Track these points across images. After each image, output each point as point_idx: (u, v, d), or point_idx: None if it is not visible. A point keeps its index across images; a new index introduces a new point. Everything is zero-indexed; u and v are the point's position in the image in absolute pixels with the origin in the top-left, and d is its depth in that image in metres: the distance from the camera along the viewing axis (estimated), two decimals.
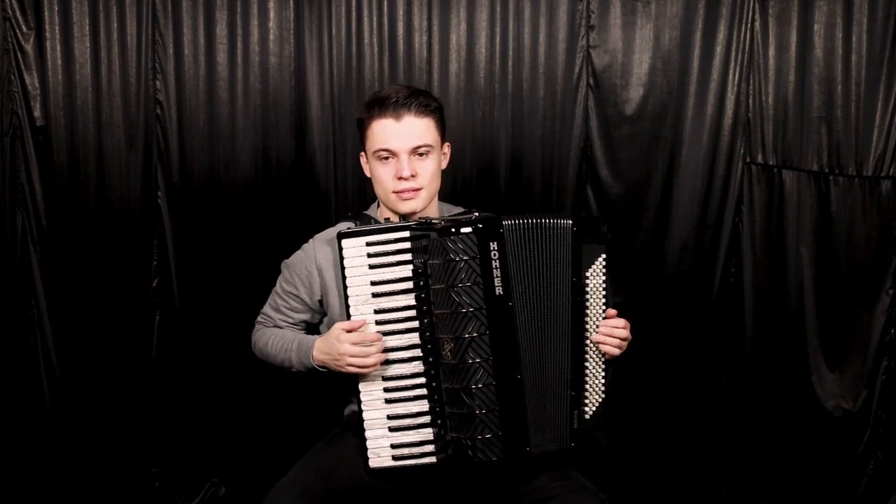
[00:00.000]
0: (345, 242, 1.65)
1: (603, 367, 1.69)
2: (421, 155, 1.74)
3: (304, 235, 1.88)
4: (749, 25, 2.46)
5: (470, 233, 1.60)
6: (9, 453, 2.53)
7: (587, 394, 1.68)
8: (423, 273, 1.64)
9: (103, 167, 2.50)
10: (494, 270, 1.61)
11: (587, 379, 1.68)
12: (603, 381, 1.69)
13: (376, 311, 1.66)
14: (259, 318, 1.95)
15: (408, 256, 1.65)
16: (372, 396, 1.68)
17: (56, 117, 2.46)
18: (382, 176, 1.75)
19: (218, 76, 2.48)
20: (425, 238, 1.64)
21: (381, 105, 1.73)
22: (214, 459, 2.61)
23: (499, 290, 1.61)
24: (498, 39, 2.49)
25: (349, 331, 1.66)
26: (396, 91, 1.74)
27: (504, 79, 2.50)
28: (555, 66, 2.49)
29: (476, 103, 2.51)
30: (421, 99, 1.74)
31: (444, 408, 1.66)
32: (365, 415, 1.68)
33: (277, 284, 1.90)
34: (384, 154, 1.74)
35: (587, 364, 1.68)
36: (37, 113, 2.46)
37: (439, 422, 1.66)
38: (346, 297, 1.66)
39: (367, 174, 1.83)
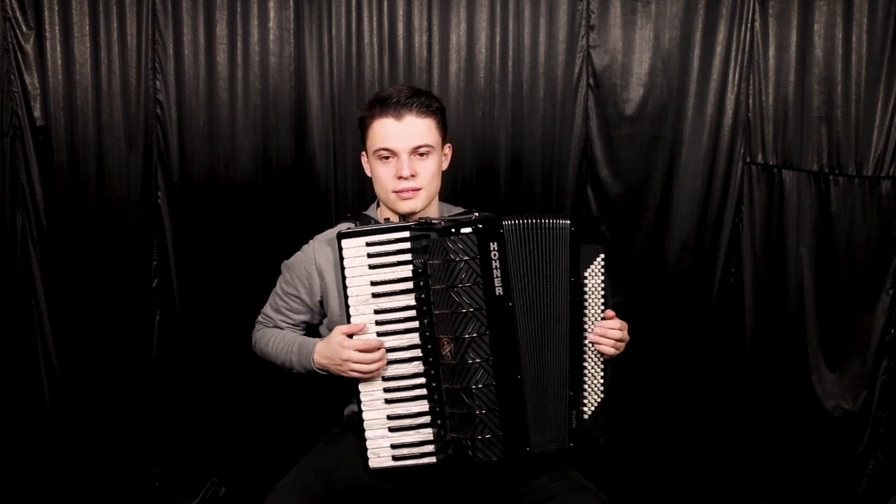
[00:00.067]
0: (344, 243, 1.65)
1: (602, 367, 1.69)
2: (421, 155, 1.74)
3: (304, 236, 1.88)
4: (749, 25, 2.46)
5: (470, 233, 1.60)
6: (9, 453, 2.53)
7: (586, 394, 1.68)
8: (423, 273, 1.64)
9: (103, 167, 2.50)
10: (494, 271, 1.61)
11: (586, 379, 1.68)
12: (602, 381, 1.69)
13: (376, 312, 1.66)
14: (259, 318, 1.95)
15: (408, 257, 1.65)
16: (372, 397, 1.68)
17: (56, 117, 2.46)
18: (382, 175, 1.75)
19: (218, 76, 2.48)
20: (425, 238, 1.63)
21: (383, 104, 1.73)
22: (214, 459, 2.61)
23: (499, 291, 1.61)
24: (498, 39, 2.49)
25: (350, 335, 1.66)
26: (398, 91, 1.75)
27: (504, 79, 2.50)
28: (555, 66, 2.49)
29: (476, 103, 2.51)
30: (423, 99, 1.74)
31: (444, 408, 1.66)
32: (365, 415, 1.68)
33: (277, 285, 1.90)
34: (384, 153, 1.74)
35: (586, 364, 1.68)
36: (37, 113, 2.46)
37: (439, 422, 1.66)
38: (346, 297, 1.66)
39: (368, 173, 1.83)
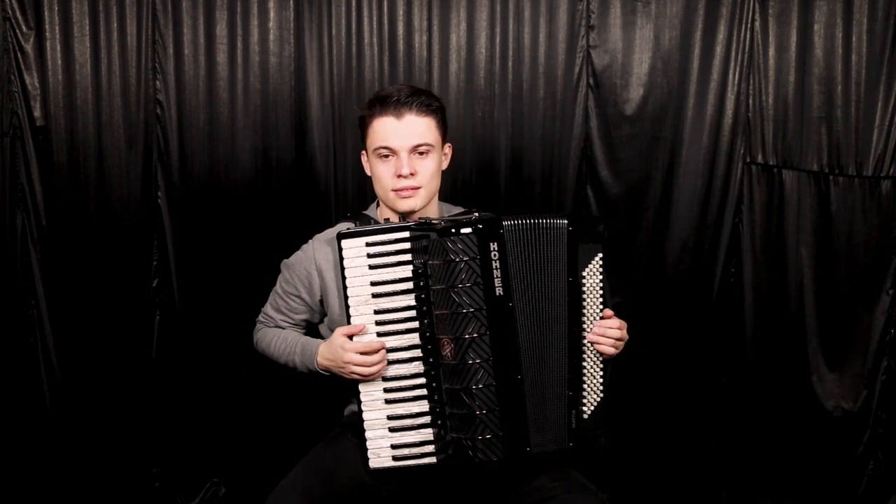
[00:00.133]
0: (344, 243, 1.65)
1: (601, 367, 1.69)
2: (421, 154, 1.74)
3: (304, 235, 1.88)
4: (749, 25, 2.46)
5: (470, 233, 1.60)
6: (9, 453, 2.53)
7: (585, 394, 1.68)
8: (423, 273, 1.64)
9: (103, 167, 2.49)
10: (495, 271, 1.61)
11: (585, 379, 1.68)
12: (601, 381, 1.69)
13: (376, 312, 1.66)
14: (260, 318, 1.95)
15: (408, 257, 1.65)
16: (372, 397, 1.68)
17: (56, 117, 2.46)
18: (382, 174, 1.76)
19: (218, 76, 2.48)
20: (425, 238, 1.63)
21: (383, 103, 1.73)
22: (214, 459, 2.61)
23: (499, 291, 1.61)
24: (498, 39, 2.49)
25: (350, 336, 1.66)
26: (398, 90, 1.75)
27: (504, 79, 2.50)
28: (555, 66, 2.49)
29: (476, 103, 2.51)
30: (423, 98, 1.74)
31: (444, 408, 1.66)
32: (365, 415, 1.68)
33: (277, 284, 1.90)
34: (384, 152, 1.74)
35: (585, 364, 1.68)
36: (37, 113, 2.46)
37: (439, 422, 1.66)
38: (346, 297, 1.66)
39: (368, 172, 1.83)
